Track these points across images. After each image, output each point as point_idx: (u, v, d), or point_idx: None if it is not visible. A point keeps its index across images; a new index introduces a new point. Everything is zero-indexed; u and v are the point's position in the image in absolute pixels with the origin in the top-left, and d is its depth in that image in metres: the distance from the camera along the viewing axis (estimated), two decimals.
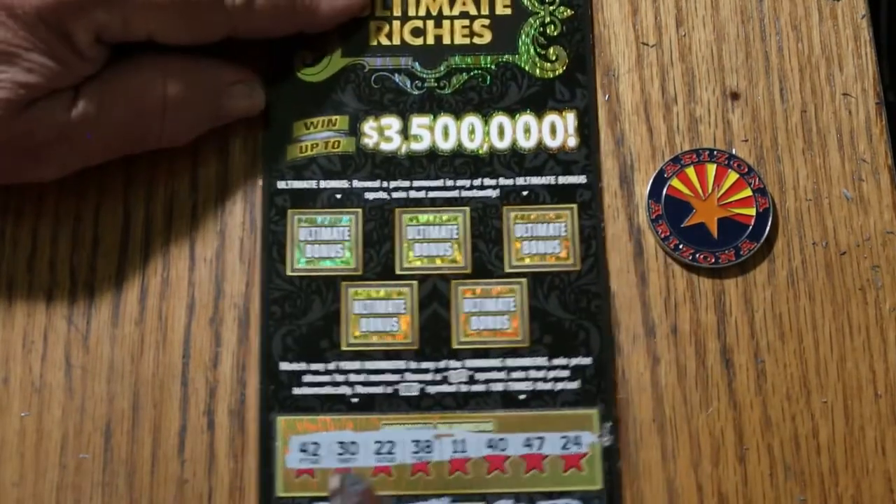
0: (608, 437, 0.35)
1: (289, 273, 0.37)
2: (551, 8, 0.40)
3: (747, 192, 0.38)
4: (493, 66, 0.39)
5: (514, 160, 0.38)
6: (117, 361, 0.36)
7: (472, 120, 0.38)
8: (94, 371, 0.36)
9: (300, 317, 0.36)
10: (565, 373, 0.36)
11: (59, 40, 0.32)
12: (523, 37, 0.39)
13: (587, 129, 0.38)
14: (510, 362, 0.36)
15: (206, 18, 0.35)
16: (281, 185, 0.38)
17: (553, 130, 0.38)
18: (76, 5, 0.32)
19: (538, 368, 0.36)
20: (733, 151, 0.38)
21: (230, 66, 0.37)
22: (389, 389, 0.36)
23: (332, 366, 0.36)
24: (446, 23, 0.39)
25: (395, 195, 0.38)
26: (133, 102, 0.35)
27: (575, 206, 0.38)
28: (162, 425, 0.36)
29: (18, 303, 0.37)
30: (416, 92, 0.39)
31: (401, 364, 0.36)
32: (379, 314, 0.37)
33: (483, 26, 0.39)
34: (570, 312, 0.37)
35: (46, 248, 0.37)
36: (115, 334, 0.36)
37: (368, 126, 0.38)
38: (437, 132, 0.38)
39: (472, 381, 0.36)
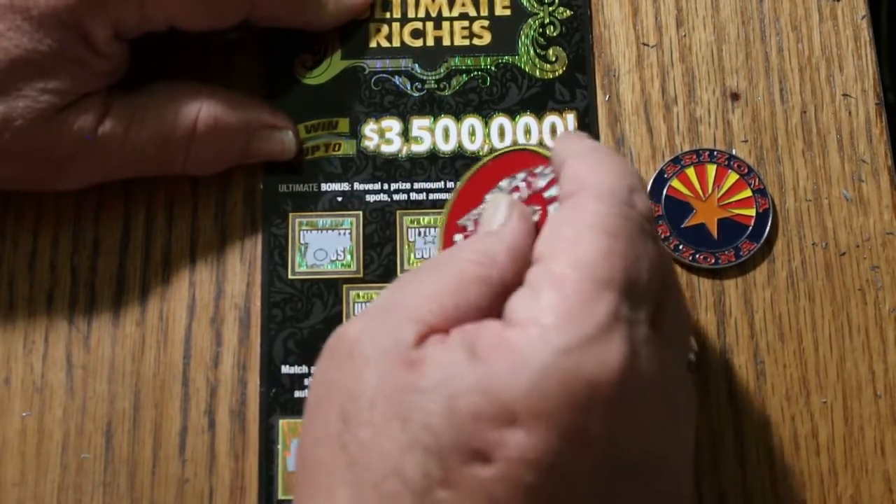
0: None
1: (290, 276, 0.37)
2: (550, 9, 0.40)
3: (747, 193, 0.38)
4: (492, 68, 0.39)
5: None
6: (118, 361, 0.36)
7: (473, 121, 0.38)
8: (95, 371, 0.36)
9: (301, 320, 0.36)
10: None
11: (76, 39, 0.32)
12: (523, 38, 0.39)
13: (587, 129, 0.38)
14: None
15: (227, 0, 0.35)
16: (282, 188, 0.38)
17: (553, 131, 0.38)
18: (93, 0, 0.32)
19: None
20: (733, 152, 0.38)
21: (267, 109, 0.37)
22: None
23: None
24: (446, 24, 0.39)
25: (396, 197, 0.38)
26: (162, 129, 0.34)
27: None
28: (163, 425, 0.36)
29: (19, 303, 0.37)
30: (416, 94, 0.39)
31: None
32: None
33: (482, 27, 0.39)
34: None
35: (47, 249, 0.37)
36: (115, 334, 0.37)
37: (369, 128, 0.38)
38: (437, 134, 0.38)
39: None
